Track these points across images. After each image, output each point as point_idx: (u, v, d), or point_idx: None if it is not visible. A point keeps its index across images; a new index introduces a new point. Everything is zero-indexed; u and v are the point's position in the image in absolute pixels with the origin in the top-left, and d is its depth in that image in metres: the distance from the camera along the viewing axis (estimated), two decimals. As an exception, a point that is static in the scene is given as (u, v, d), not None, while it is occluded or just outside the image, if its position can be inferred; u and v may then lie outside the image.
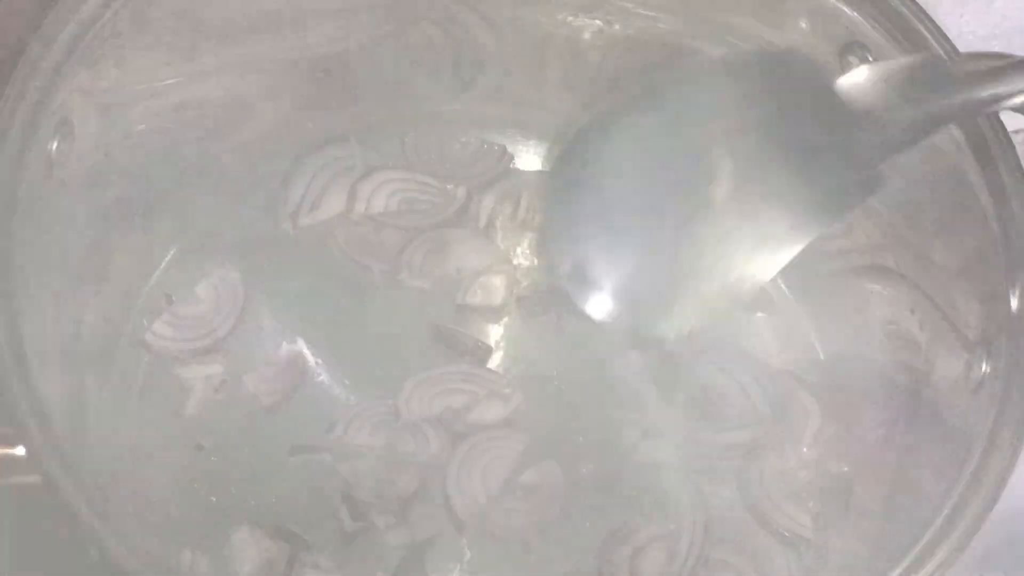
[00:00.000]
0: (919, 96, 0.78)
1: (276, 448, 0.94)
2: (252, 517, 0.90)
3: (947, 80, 0.78)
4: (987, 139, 0.80)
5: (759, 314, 1.04)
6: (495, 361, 1.00)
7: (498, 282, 1.02)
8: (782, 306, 1.04)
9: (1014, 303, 0.78)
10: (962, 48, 0.83)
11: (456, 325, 1.00)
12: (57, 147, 0.77)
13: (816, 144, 0.81)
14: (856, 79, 0.80)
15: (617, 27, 0.98)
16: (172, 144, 0.94)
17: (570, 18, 0.99)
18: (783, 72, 0.84)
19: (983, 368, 0.78)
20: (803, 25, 0.88)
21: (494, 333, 1.01)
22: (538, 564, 0.92)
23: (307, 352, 0.98)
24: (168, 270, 1.00)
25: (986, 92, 0.76)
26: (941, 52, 0.83)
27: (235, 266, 1.00)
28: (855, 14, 0.85)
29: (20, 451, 0.66)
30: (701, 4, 0.92)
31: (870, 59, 0.85)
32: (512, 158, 1.09)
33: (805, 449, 0.97)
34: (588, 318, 1.00)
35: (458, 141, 1.08)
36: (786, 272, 1.03)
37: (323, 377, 0.97)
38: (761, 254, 0.83)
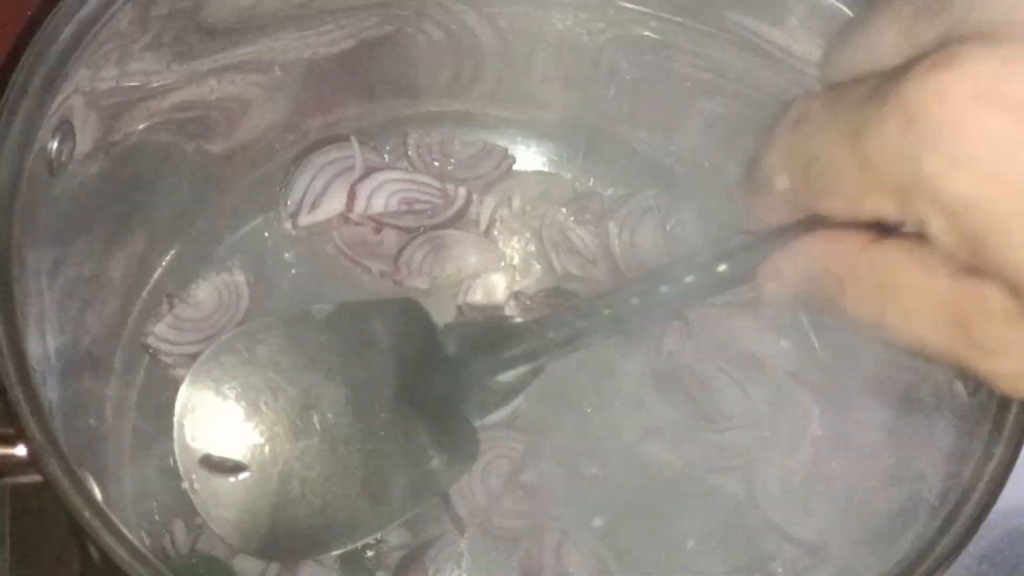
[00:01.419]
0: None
1: (276, 448, 0.94)
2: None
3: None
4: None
5: (759, 314, 1.03)
6: (495, 361, 0.99)
7: (498, 282, 1.01)
8: (782, 306, 1.04)
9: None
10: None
11: (456, 325, 1.00)
12: (57, 147, 0.77)
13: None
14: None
15: (617, 27, 0.98)
16: (172, 144, 0.94)
17: (570, 18, 0.99)
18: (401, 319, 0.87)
19: (983, 368, 0.78)
20: (801, 25, 0.88)
21: (494, 333, 1.01)
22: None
23: (307, 352, 0.97)
24: (168, 271, 1.00)
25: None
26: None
27: (236, 267, 1.01)
28: (855, 15, 0.85)
29: (20, 451, 0.66)
30: (700, 3, 0.92)
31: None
32: (514, 160, 1.09)
33: (805, 449, 0.97)
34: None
35: (459, 142, 1.08)
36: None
37: (323, 377, 0.97)
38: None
